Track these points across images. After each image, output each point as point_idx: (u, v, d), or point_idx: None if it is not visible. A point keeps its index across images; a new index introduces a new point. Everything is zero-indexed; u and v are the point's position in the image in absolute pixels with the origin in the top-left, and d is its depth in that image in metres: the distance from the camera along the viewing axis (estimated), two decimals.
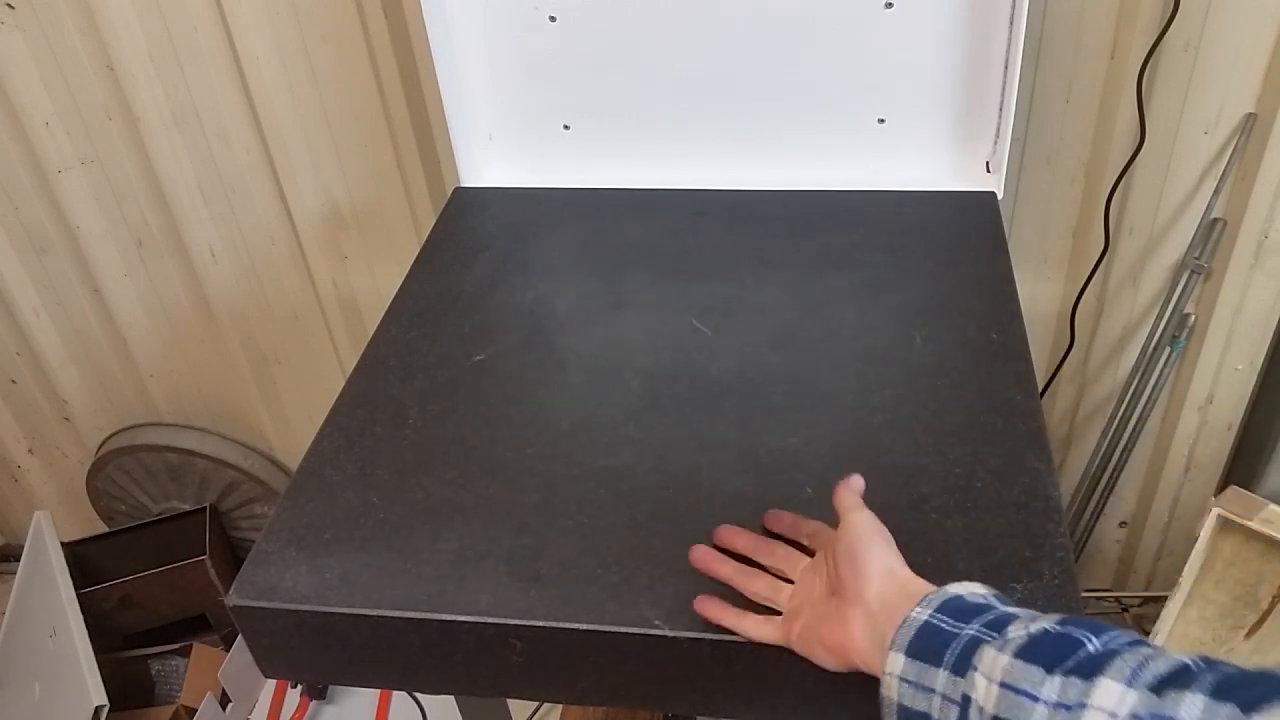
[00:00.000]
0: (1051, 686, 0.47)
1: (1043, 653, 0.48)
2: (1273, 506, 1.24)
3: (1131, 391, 1.32)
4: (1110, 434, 1.35)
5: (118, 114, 1.39)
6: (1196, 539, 1.27)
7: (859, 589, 0.58)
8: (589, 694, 0.72)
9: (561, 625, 0.66)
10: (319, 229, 1.47)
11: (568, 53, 1.09)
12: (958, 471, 0.74)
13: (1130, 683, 0.44)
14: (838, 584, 0.61)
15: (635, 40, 1.07)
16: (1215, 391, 1.36)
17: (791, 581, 0.66)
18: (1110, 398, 1.40)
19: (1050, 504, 0.71)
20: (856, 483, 0.66)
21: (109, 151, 1.44)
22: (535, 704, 1.55)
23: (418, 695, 1.51)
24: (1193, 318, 1.30)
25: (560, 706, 1.46)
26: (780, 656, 0.64)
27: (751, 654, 0.64)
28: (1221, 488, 1.33)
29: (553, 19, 1.07)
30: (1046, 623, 0.50)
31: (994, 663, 0.49)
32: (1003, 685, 0.48)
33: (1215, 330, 1.29)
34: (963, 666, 0.51)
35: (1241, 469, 1.41)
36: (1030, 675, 0.47)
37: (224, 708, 1.60)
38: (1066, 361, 1.37)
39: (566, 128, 1.15)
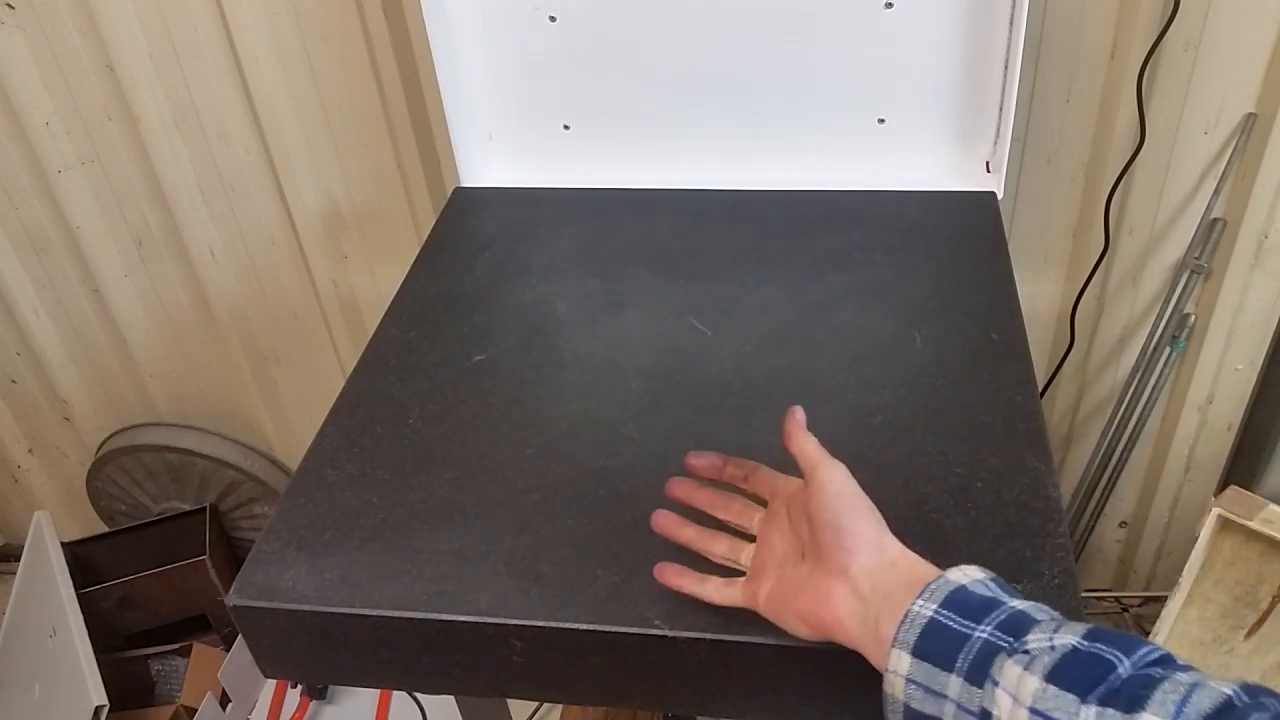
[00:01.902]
0: (1087, 716, 0.44)
1: (1074, 677, 0.46)
2: (1273, 506, 1.24)
3: (1131, 391, 1.32)
4: (1110, 434, 1.35)
5: (118, 114, 1.39)
6: (1196, 539, 1.27)
7: (843, 562, 0.56)
8: (589, 694, 0.72)
9: (561, 625, 0.66)
10: (319, 229, 1.47)
11: (568, 53, 1.09)
12: (958, 471, 0.74)
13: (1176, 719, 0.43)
14: (815, 551, 0.58)
15: (635, 40, 1.07)
16: (1215, 391, 1.36)
17: (752, 538, 0.64)
18: (1110, 398, 1.40)
19: (1050, 504, 0.71)
20: (801, 416, 0.62)
21: (109, 151, 1.44)
22: (535, 704, 1.55)
23: (418, 695, 1.51)
24: (1193, 318, 1.30)
25: (560, 706, 1.46)
26: (780, 657, 0.64)
27: (751, 654, 0.64)
28: (1221, 488, 1.33)
29: (553, 19, 1.07)
30: (1072, 637, 0.48)
31: (1020, 682, 0.47)
32: (1033, 711, 0.46)
33: (1215, 330, 1.29)
34: (978, 675, 0.49)
35: (1241, 469, 1.41)
36: (1064, 703, 0.45)
37: (224, 708, 1.60)
38: (1066, 361, 1.37)
39: (566, 128, 1.15)
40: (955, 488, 0.73)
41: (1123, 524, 1.56)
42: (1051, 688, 0.46)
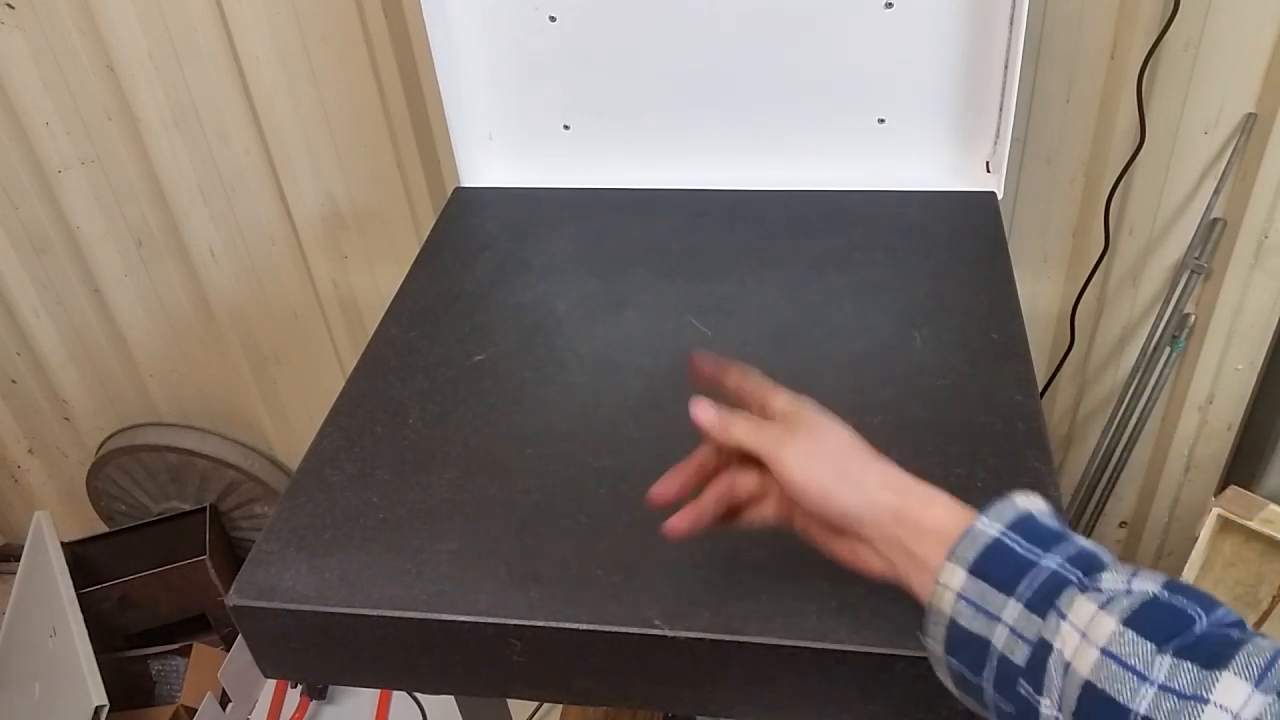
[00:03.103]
0: (1161, 667, 0.43)
1: (1153, 625, 0.44)
2: (1273, 506, 1.24)
3: (1131, 391, 1.32)
4: (1110, 434, 1.35)
5: (118, 114, 1.39)
6: (1196, 539, 1.27)
7: (855, 534, 0.56)
8: (589, 694, 0.72)
9: (561, 625, 0.66)
10: (319, 229, 1.47)
11: (568, 53, 1.09)
12: (958, 471, 0.74)
13: (1259, 684, 0.41)
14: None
15: (635, 40, 1.07)
16: (1215, 391, 1.36)
17: None
18: (1110, 398, 1.40)
19: (1050, 504, 0.71)
20: (706, 410, 0.59)
21: (109, 151, 1.44)
22: (535, 704, 1.55)
23: (418, 695, 1.51)
24: (1193, 318, 1.30)
25: (560, 706, 1.46)
26: (780, 657, 0.64)
27: (751, 654, 0.64)
28: (1221, 488, 1.33)
29: (553, 19, 1.07)
30: (1152, 585, 0.46)
31: (1094, 621, 0.45)
32: (1106, 653, 0.44)
33: (1215, 330, 1.29)
34: (1041, 605, 0.47)
35: (1241, 469, 1.40)
36: (1140, 650, 0.43)
37: (224, 708, 1.60)
38: (1066, 361, 1.37)
39: (566, 128, 1.15)
40: (955, 488, 0.72)
41: (1123, 524, 1.56)
42: (1129, 632, 0.44)
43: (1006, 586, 0.48)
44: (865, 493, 0.55)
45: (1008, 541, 0.49)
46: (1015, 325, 0.88)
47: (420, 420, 0.84)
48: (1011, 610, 0.47)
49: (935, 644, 0.52)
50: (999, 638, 0.48)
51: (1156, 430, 1.42)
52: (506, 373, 0.89)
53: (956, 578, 0.49)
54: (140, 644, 1.76)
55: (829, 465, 0.56)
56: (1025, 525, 0.50)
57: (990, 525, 0.50)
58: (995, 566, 0.49)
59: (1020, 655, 0.47)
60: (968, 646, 0.49)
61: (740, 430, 0.58)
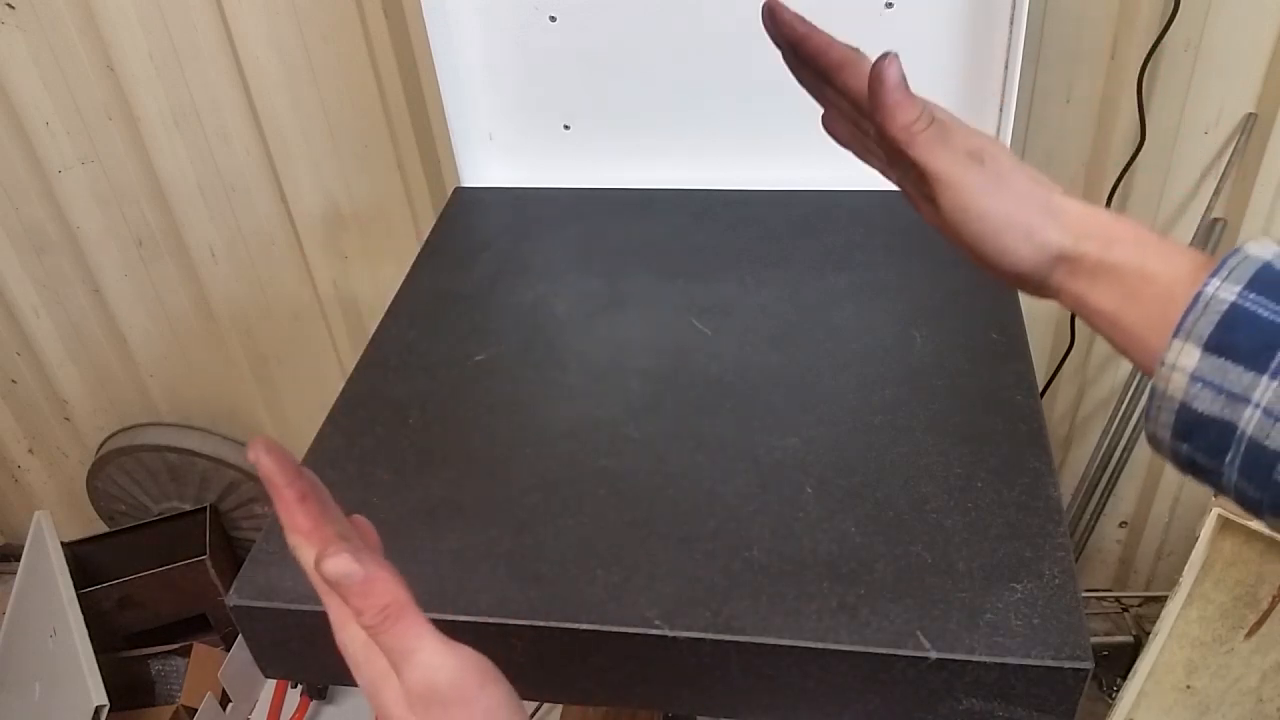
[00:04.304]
0: None
1: None
2: None
3: (1132, 391, 1.32)
4: (1110, 434, 1.35)
5: (118, 114, 1.39)
6: (1196, 539, 1.27)
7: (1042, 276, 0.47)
8: (589, 694, 0.72)
9: (561, 625, 0.66)
10: (319, 229, 1.47)
11: (568, 53, 1.09)
12: (958, 471, 0.74)
13: None
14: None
15: (635, 40, 1.07)
16: None
17: None
18: (1110, 398, 1.40)
19: (1050, 504, 0.71)
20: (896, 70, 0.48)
21: (109, 151, 1.44)
22: (535, 704, 1.55)
23: None
24: None
25: (560, 706, 1.46)
26: (780, 657, 0.64)
27: (751, 654, 0.64)
28: None
29: (553, 19, 1.07)
30: None
31: None
32: None
33: None
34: None
35: None
36: None
37: (224, 708, 1.60)
38: (1066, 361, 1.37)
39: (566, 128, 1.15)
40: (955, 488, 0.73)
41: (1123, 524, 1.56)
42: None
43: (1256, 360, 0.39)
44: (1049, 239, 0.45)
45: (1249, 305, 0.40)
46: (1015, 325, 0.88)
47: (420, 420, 0.84)
48: (1264, 389, 0.39)
49: (1161, 429, 0.43)
50: (1248, 420, 0.40)
51: None
52: (506, 373, 0.89)
53: (1188, 356, 0.41)
54: (140, 644, 1.76)
55: (1015, 204, 0.46)
56: (1268, 279, 0.40)
57: (1225, 288, 0.40)
58: (1238, 337, 0.40)
59: (1278, 439, 0.39)
60: (1204, 432, 0.42)
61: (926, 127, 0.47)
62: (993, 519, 0.70)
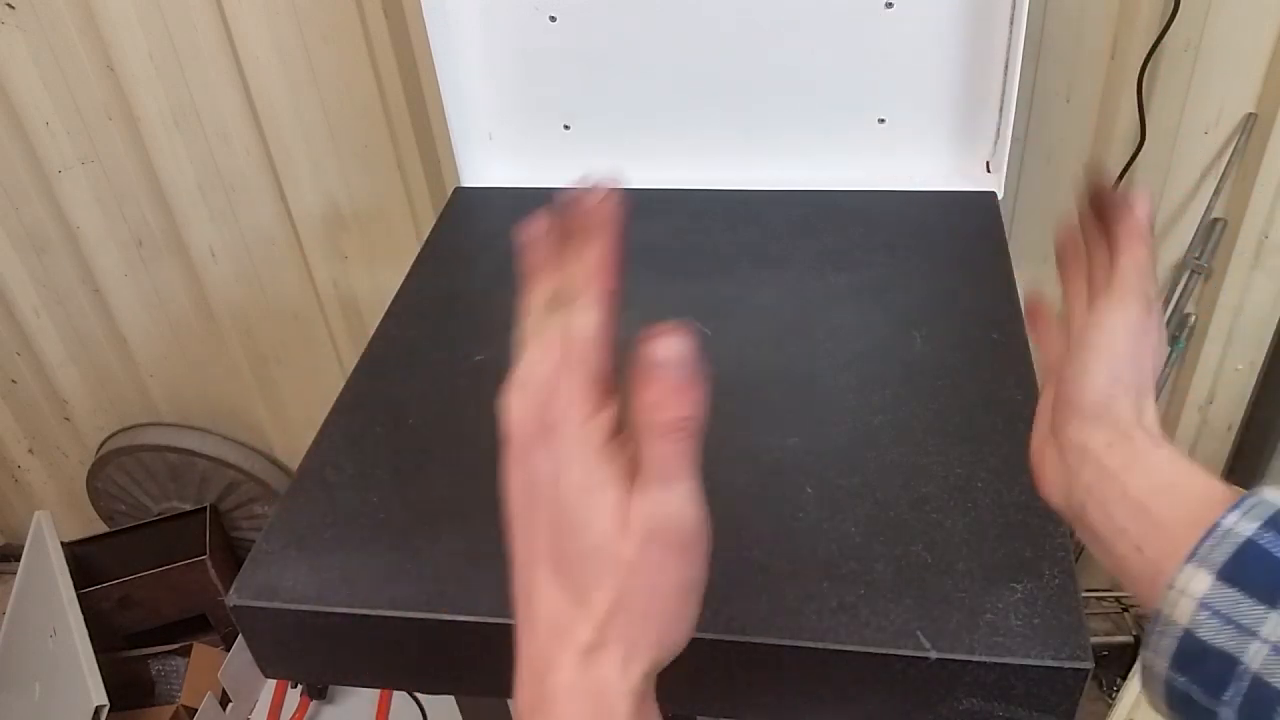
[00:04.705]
0: None
1: None
2: None
3: None
4: None
5: (118, 114, 1.39)
6: None
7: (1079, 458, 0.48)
8: None
9: None
10: (319, 229, 1.47)
11: (568, 53, 1.09)
12: (958, 471, 0.74)
13: None
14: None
15: (635, 40, 1.07)
16: (1215, 391, 1.36)
17: None
18: None
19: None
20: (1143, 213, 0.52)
21: (109, 151, 1.44)
22: None
23: (418, 695, 1.51)
24: (1193, 318, 1.29)
25: None
26: (780, 657, 0.64)
27: (751, 654, 0.64)
28: None
29: (553, 19, 1.07)
30: None
31: None
32: None
33: (1215, 330, 1.29)
34: None
35: (1241, 469, 1.40)
36: None
37: (224, 708, 1.60)
38: None
39: (566, 128, 1.15)
40: (955, 488, 0.73)
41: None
42: None
43: (1268, 596, 0.40)
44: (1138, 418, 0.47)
45: (1264, 544, 0.41)
46: (1015, 325, 0.88)
47: (420, 420, 0.84)
48: (1275, 625, 0.39)
49: (1157, 658, 0.43)
50: (1254, 656, 0.40)
51: None
52: (506, 373, 0.89)
53: (1200, 583, 0.41)
54: (140, 644, 1.76)
55: (1126, 367, 0.49)
56: None
57: (1243, 524, 0.41)
58: (1251, 573, 0.40)
59: None
60: (1205, 663, 0.42)
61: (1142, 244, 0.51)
62: (993, 519, 0.70)
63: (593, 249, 0.40)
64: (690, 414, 0.37)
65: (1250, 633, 0.40)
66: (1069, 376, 0.50)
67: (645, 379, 0.37)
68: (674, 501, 0.37)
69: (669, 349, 0.36)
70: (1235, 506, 0.42)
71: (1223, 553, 0.41)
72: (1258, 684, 0.40)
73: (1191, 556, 0.41)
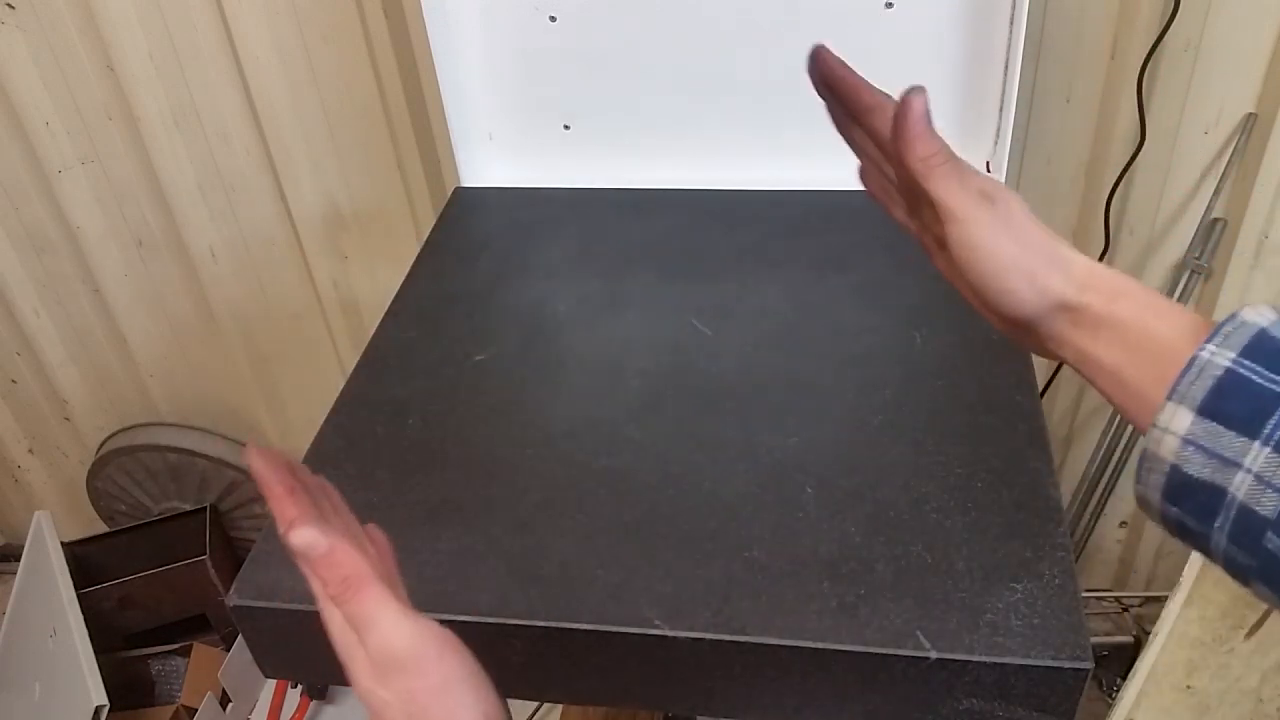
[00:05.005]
0: None
1: None
2: None
3: None
4: (1110, 434, 1.35)
5: (118, 114, 1.39)
6: None
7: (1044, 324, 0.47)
8: (589, 694, 0.72)
9: (561, 625, 0.66)
10: (319, 229, 1.47)
11: (568, 53, 1.09)
12: (958, 471, 0.74)
13: None
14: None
15: (635, 40, 1.07)
16: None
17: None
18: None
19: (1050, 504, 0.71)
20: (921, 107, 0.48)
21: (109, 151, 1.44)
22: (535, 704, 1.55)
23: None
24: None
25: (560, 706, 1.46)
26: (780, 657, 0.64)
27: (751, 654, 0.64)
28: None
29: (553, 19, 1.07)
30: None
31: None
32: None
33: None
34: None
35: None
36: None
37: (224, 708, 1.60)
38: None
39: (566, 128, 1.15)
40: (955, 488, 0.73)
41: (1123, 524, 1.55)
42: None
43: (1248, 427, 0.39)
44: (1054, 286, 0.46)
45: (1243, 371, 0.40)
46: None
47: (420, 420, 0.84)
48: (1256, 455, 0.39)
49: (1150, 491, 0.44)
50: (1239, 486, 0.40)
51: None
52: (506, 373, 0.89)
53: (1180, 420, 0.41)
54: (140, 644, 1.76)
55: (1021, 246, 0.47)
56: (1262, 347, 0.40)
57: (1219, 354, 0.41)
58: (1233, 404, 0.40)
59: (1269, 506, 0.39)
60: (1194, 495, 0.42)
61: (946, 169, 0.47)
62: (993, 519, 0.70)
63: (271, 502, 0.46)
64: (345, 576, 0.44)
65: (1234, 464, 0.40)
66: (984, 301, 0.48)
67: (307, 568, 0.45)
68: (381, 637, 0.44)
69: (297, 541, 0.43)
70: (1212, 336, 0.41)
71: (1201, 387, 0.41)
72: (1244, 511, 0.40)
73: (1172, 393, 0.41)
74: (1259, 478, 0.39)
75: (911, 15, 1.01)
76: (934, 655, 0.62)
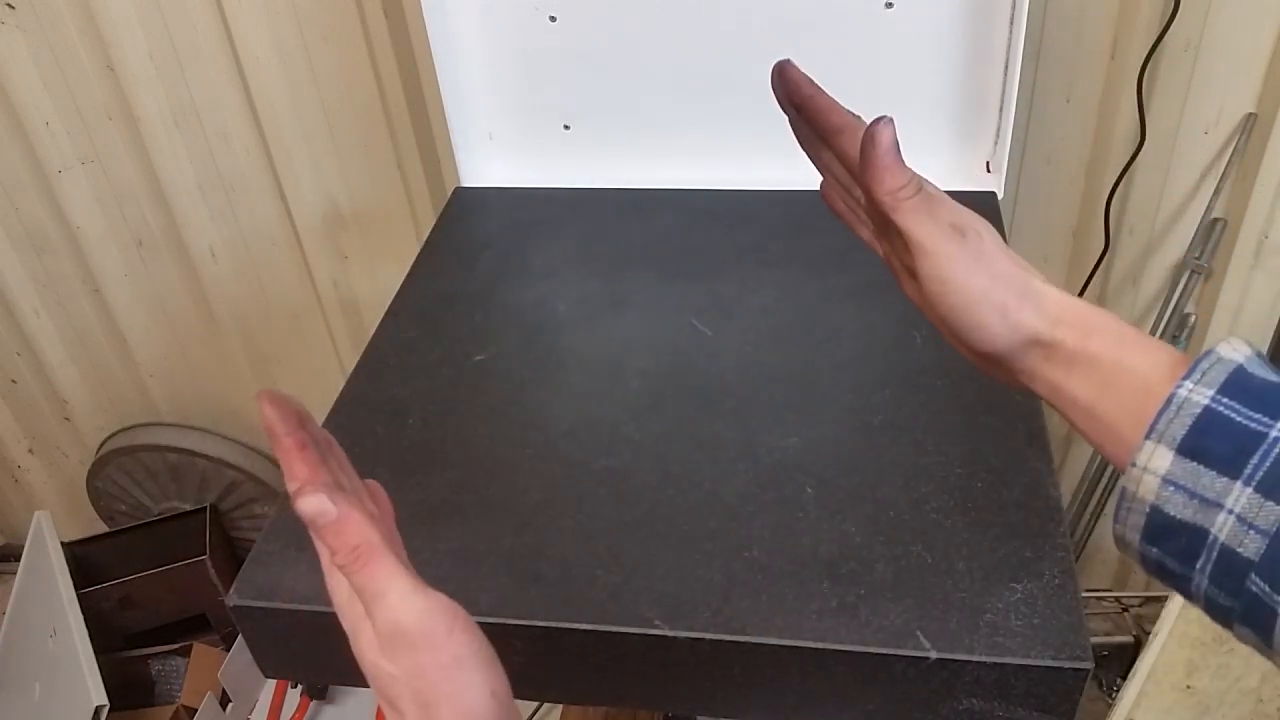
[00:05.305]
0: None
1: None
2: None
3: None
4: None
5: (118, 114, 1.39)
6: None
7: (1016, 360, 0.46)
8: (589, 694, 0.72)
9: (561, 625, 0.66)
10: (319, 229, 1.47)
11: (568, 53, 1.09)
12: (958, 471, 0.74)
13: None
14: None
15: (635, 40, 1.07)
16: None
17: None
18: None
19: (1050, 504, 0.71)
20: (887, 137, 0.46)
21: (109, 151, 1.44)
22: (535, 704, 1.55)
23: None
24: (1193, 318, 1.29)
25: (560, 706, 1.46)
26: (780, 656, 0.64)
27: (751, 654, 0.64)
28: None
29: (553, 19, 1.07)
30: None
31: None
32: None
33: (1215, 330, 1.29)
34: (1277, 487, 0.38)
35: None
36: None
37: (224, 708, 1.60)
38: None
39: (566, 128, 1.15)
40: (955, 488, 0.73)
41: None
42: None
43: (1229, 467, 0.39)
44: (1026, 321, 0.45)
45: (1222, 409, 0.39)
46: None
47: (420, 420, 0.84)
48: (1238, 497, 0.39)
49: (1129, 531, 0.43)
50: (1221, 527, 0.39)
51: None
52: (506, 373, 0.89)
53: (1161, 459, 0.40)
54: (140, 644, 1.76)
55: (994, 280, 0.46)
56: (1240, 384, 0.40)
57: (1198, 392, 0.40)
58: (1211, 442, 0.39)
59: (1252, 547, 0.38)
60: (1175, 536, 0.41)
61: (915, 201, 0.46)
62: (993, 519, 0.70)
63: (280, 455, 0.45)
64: (355, 545, 0.42)
65: (1215, 504, 0.39)
66: (953, 333, 0.47)
67: (315, 534, 0.43)
68: (389, 610, 0.42)
69: (306, 507, 0.41)
70: (1190, 373, 0.41)
71: (1180, 425, 0.40)
72: (1227, 553, 0.39)
73: (1150, 431, 0.40)
74: (1240, 518, 0.39)
75: (911, 15, 1.01)
76: (934, 655, 0.62)
